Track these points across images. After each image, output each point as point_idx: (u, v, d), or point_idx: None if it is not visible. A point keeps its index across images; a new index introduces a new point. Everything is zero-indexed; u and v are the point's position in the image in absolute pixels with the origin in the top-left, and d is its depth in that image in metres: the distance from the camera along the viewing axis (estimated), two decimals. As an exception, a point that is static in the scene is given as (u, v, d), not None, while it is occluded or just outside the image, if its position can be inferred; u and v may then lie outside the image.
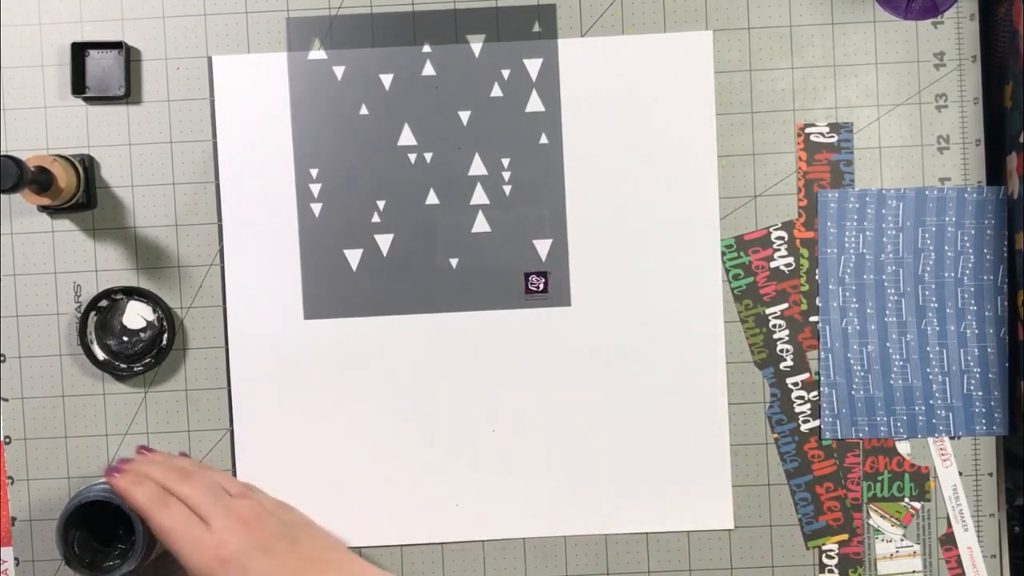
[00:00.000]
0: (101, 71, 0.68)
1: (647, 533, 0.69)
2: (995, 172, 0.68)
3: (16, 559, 0.69)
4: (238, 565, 0.58)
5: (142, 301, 0.68)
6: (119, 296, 0.68)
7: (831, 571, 0.68)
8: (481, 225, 0.68)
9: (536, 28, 0.68)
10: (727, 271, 0.68)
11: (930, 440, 0.68)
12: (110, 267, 0.69)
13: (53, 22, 0.68)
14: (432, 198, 0.68)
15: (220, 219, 0.68)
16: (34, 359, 0.69)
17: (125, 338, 0.68)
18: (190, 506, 0.60)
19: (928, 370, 0.68)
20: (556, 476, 0.69)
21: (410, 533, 0.69)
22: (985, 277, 0.67)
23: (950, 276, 0.68)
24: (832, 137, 0.68)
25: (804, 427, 0.68)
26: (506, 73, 0.68)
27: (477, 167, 0.68)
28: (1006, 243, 0.67)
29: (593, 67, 0.68)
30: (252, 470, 0.68)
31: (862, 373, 0.68)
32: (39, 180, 0.63)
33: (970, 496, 0.68)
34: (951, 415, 0.68)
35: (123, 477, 0.61)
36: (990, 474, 0.68)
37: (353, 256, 0.69)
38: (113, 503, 0.61)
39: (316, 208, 0.68)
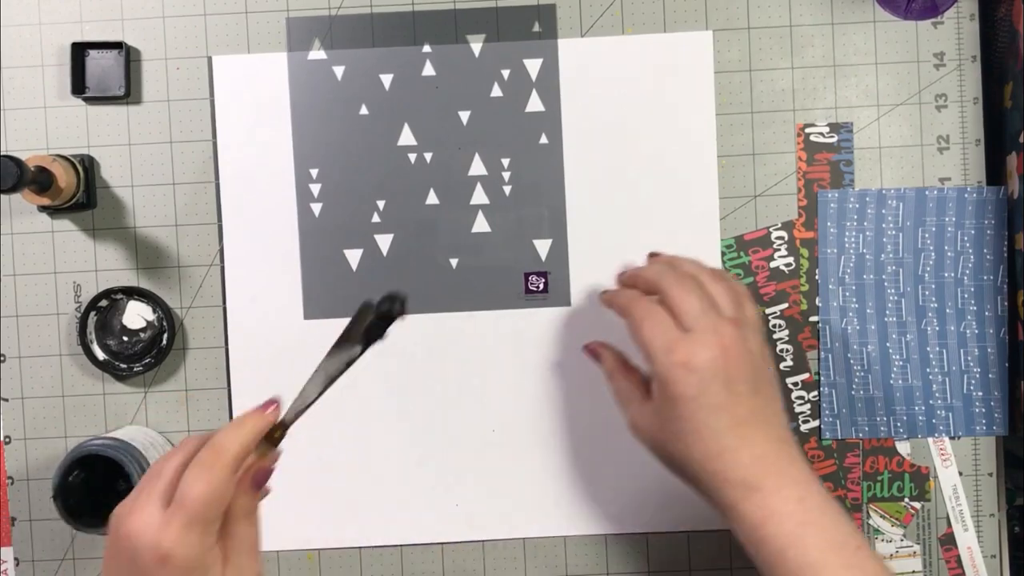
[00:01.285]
0: (101, 71, 0.68)
1: (647, 533, 0.69)
2: (995, 172, 0.68)
3: (16, 559, 0.69)
4: (699, 379, 0.54)
5: (142, 301, 0.68)
6: (119, 296, 0.68)
7: (831, 571, 0.68)
8: (481, 225, 0.68)
9: (536, 28, 0.68)
10: (727, 271, 0.68)
11: (930, 440, 0.68)
12: (110, 267, 0.69)
13: (53, 22, 0.68)
14: (432, 198, 0.68)
15: (220, 219, 0.68)
16: (34, 359, 0.69)
17: (125, 338, 0.68)
18: (676, 313, 0.56)
19: (928, 370, 0.68)
20: (556, 476, 0.68)
21: (410, 533, 0.69)
22: (985, 277, 0.67)
23: (950, 276, 0.68)
24: (832, 137, 0.68)
25: (804, 427, 0.68)
26: (506, 73, 0.68)
27: (477, 167, 0.68)
28: (1006, 243, 0.67)
29: (593, 67, 0.68)
30: (252, 470, 0.68)
31: (862, 373, 0.68)
32: (39, 180, 0.63)
33: (970, 496, 0.68)
34: (951, 415, 0.68)
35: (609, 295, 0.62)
36: (990, 474, 0.68)
37: (353, 256, 0.69)
38: (106, 455, 0.61)
39: (316, 208, 0.68)
